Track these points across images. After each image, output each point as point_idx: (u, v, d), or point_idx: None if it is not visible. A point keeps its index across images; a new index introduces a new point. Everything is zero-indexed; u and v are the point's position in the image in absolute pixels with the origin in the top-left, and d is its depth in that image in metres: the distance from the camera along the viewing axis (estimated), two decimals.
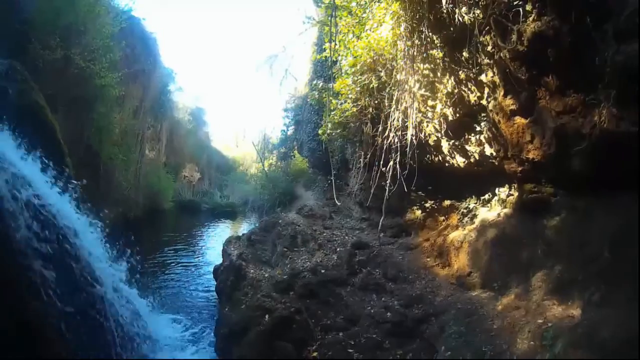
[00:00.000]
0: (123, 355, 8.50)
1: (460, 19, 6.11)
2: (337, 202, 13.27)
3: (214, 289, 13.45)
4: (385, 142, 8.94)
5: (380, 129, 9.34)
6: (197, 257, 20.07)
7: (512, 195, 7.97)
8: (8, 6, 14.64)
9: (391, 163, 8.77)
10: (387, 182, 9.10)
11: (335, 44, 10.51)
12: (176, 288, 14.90)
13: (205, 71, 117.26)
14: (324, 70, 16.51)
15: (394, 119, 8.56)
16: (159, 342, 10.09)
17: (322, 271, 10.02)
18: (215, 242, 23.28)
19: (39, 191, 8.14)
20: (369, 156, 10.62)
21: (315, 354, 7.71)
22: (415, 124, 8.27)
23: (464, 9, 6.03)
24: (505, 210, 8.04)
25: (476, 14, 5.81)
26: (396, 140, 8.63)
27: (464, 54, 6.56)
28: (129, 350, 8.86)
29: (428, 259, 10.22)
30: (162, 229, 27.07)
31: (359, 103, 10.35)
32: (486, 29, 5.80)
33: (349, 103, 10.80)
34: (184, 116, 45.02)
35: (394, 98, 8.49)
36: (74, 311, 7.48)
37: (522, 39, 5.15)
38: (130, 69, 23.10)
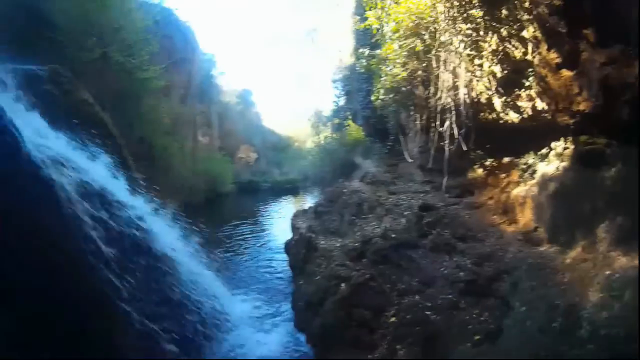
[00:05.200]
0: (204, 333, 9.33)
1: None
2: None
3: (285, 264, 14.25)
4: (438, 103, 9.16)
5: (432, 90, 9.53)
6: (265, 235, 20.92)
7: (568, 148, 8.02)
8: (36, 18, 15.66)
9: (447, 123, 9.05)
10: (446, 142, 9.35)
11: (378, 11, 10.72)
12: (248, 267, 15.80)
13: (245, 51, 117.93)
14: (367, 38, 16.55)
15: (444, 80, 8.78)
16: (236, 320, 10.78)
17: (393, 236, 10.31)
18: (280, 218, 24.07)
19: (114, 194, 8.96)
20: (424, 119, 10.80)
21: (393, 318, 8.03)
22: (467, 83, 8.49)
23: None
24: (563, 164, 8.09)
25: None
26: (449, 100, 8.86)
27: (503, 11, 6.73)
28: (209, 329, 9.65)
29: (494, 217, 10.34)
30: (226, 212, 28.09)
31: (408, 67, 10.46)
32: None
33: (398, 67, 10.95)
34: (232, 99, 46.02)
35: (441, 59, 8.69)
36: (151, 294, 8.32)
37: None
38: (172, 59, 23.96)
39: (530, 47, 6.77)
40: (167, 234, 10.56)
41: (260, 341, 10.09)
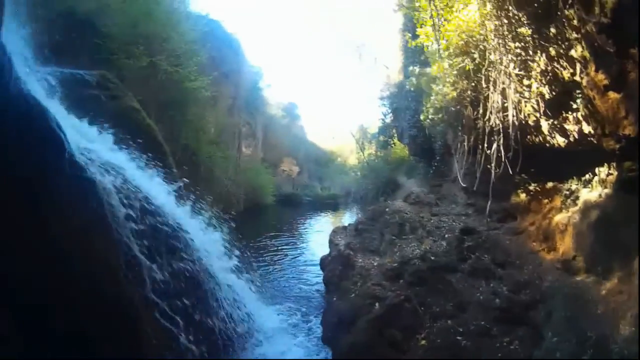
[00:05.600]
0: (228, 344, 9.40)
1: None
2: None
3: (318, 280, 14.42)
4: (486, 124, 9.20)
5: (480, 111, 9.60)
6: (301, 249, 21.17)
7: (612, 174, 7.90)
8: (84, 24, 16.31)
9: (495, 146, 9.10)
10: (492, 165, 9.38)
11: (429, 29, 10.88)
12: (281, 280, 16.02)
13: (292, 65, 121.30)
14: (415, 55, 16.74)
15: (493, 101, 8.82)
16: (265, 332, 10.92)
17: (432, 258, 10.47)
18: (319, 233, 24.29)
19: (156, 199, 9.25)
20: (472, 140, 10.80)
21: (423, 341, 8.11)
22: (515, 105, 8.47)
23: None
24: (606, 191, 7.99)
25: None
26: (497, 122, 8.89)
27: (552, 29, 6.73)
28: (234, 340, 9.81)
29: (534, 243, 10.23)
30: (265, 223, 28.55)
31: (457, 86, 10.59)
32: (569, 2, 5.93)
33: (447, 87, 11.08)
34: (277, 112, 47.22)
35: (491, 79, 8.74)
36: (178, 299, 8.38)
37: (605, 10, 5.22)
38: (219, 70, 24.68)
39: (578, 67, 6.74)
40: (201, 237, 10.80)
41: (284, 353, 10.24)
